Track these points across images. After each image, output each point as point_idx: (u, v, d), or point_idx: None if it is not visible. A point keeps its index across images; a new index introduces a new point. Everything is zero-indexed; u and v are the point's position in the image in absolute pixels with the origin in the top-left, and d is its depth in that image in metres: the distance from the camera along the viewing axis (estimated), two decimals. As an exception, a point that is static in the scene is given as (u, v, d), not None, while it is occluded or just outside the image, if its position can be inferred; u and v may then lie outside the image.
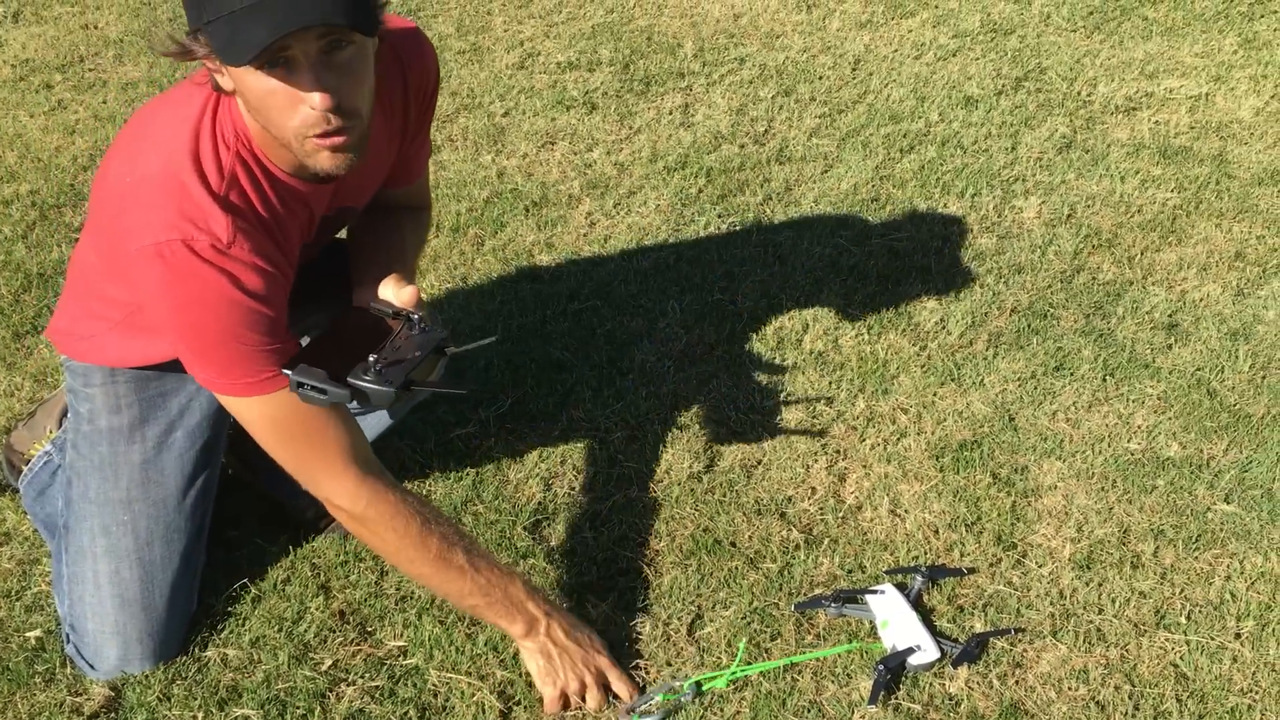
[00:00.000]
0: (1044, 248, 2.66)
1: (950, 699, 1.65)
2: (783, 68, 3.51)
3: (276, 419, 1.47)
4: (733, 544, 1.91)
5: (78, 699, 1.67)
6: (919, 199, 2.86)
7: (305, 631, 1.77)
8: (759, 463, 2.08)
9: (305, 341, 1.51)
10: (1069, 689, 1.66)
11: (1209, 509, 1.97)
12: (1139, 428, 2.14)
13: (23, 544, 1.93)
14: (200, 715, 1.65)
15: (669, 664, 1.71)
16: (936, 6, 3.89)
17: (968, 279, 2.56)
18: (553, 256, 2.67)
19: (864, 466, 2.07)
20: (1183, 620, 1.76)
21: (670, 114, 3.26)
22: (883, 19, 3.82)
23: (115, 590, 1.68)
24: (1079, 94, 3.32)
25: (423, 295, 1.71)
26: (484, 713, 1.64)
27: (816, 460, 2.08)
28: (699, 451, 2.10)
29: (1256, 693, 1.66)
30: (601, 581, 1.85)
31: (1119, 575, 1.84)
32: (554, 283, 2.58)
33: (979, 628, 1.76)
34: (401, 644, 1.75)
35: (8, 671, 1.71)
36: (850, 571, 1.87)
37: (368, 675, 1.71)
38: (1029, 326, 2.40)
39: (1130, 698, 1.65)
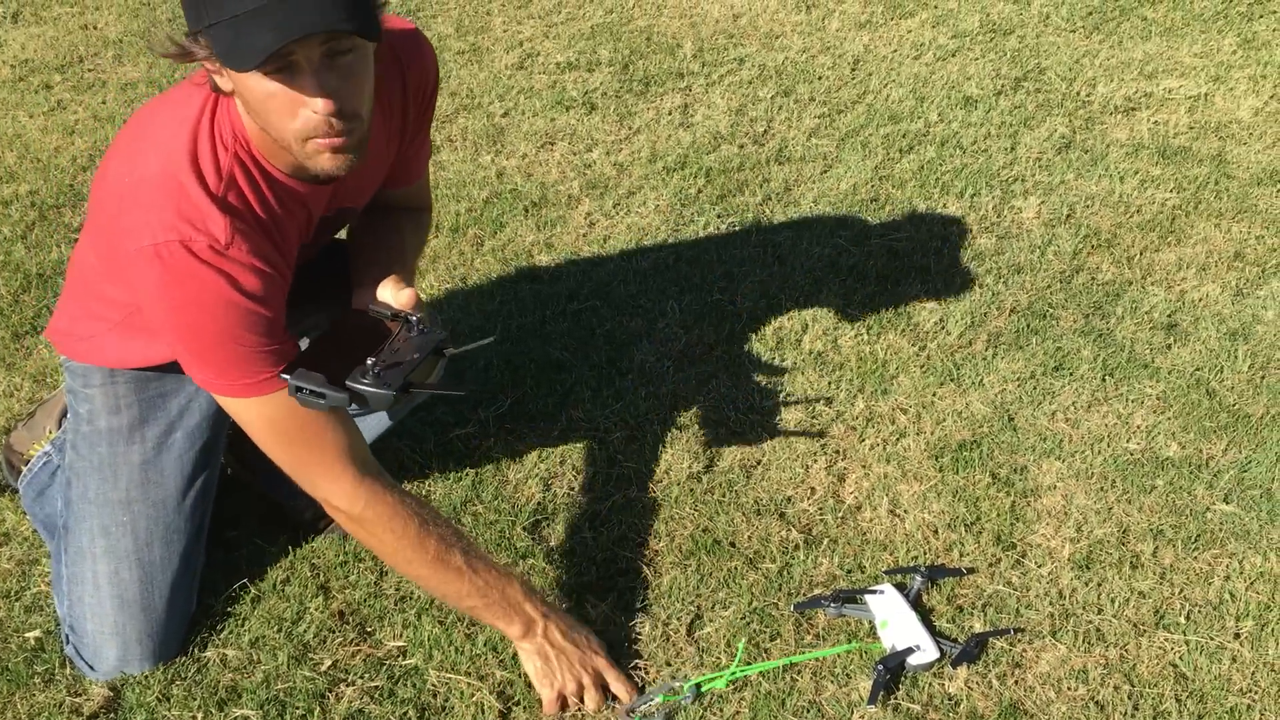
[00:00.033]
0: (1043, 248, 2.66)
1: (949, 699, 1.65)
2: (782, 68, 3.51)
3: (274, 420, 1.47)
4: (732, 544, 1.91)
5: (77, 699, 1.67)
6: (918, 199, 2.86)
7: (305, 632, 1.77)
8: (758, 463, 2.08)
9: (304, 343, 1.51)
10: (1068, 689, 1.67)
11: (1208, 509, 1.97)
12: (1138, 428, 2.14)
13: (22, 544, 1.93)
14: (200, 716, 1.65)
15: (668, 664, 1.71)
16: (936, 7, 3.89)
17: (967, 279, 2.56)
18: (552, 257, 2.67)
19: (863, 467, 2.07)
20: (1182, 620, 1.77)
21: (669, 114, 3.27)
22: (882, 19, 3.82)
23: (114, 591, 1.68)
24: (1078, 94, 3.32)
25: (422, 296, 1.71)
26: (483, 713, 1.64)
27: (816, 460, 2.08)
28: (698, 452, 2.10)
29: (1256, 693, 1.66)
30: (601, 582, 1.85)
31: (1118, 575, 1.84)
32: (553, 283, 2.58)
33: (978, 628, 1.76)
34: (401, 644, 1.75)
35: (7, 672, 1.71)
36: (849, 571, 1.87)
37: (367, 675, 1.71)
38: (1028, 327, 2.41)
39: (1129, 698, 1.65)
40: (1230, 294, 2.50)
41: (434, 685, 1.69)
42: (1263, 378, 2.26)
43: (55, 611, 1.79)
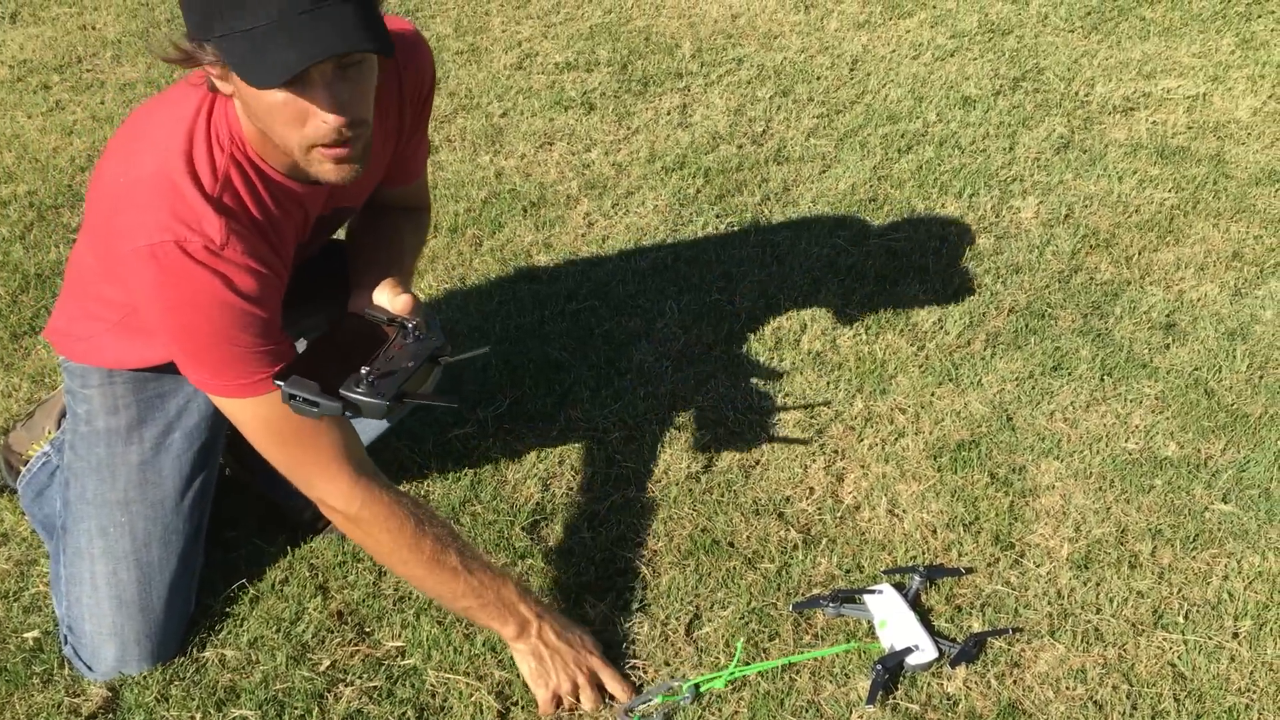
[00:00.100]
0: (1042, 248, 2.66)
1: (948, 699, 1.65)
2: (780, 68, 3.51)
3: (270, 420, 1.47)
4: (731, 544, 1.91)
5: (75, 700, 1.67)
6: (917, 199, 2.86)
7: (303, 632, 1.77)
8: (757, 463, 2.08)
9: (301, 344, 1.50)
10: (1067, 688, 1.67)
11: (1206, 509, 1.97)
12: (1137, 427, 2.14)
13: (20, 545, 1.93)
14: (198, 716, 1.65)
15: (667, 664, 1.71)
16: (934, 7, 3.89)
17: (965, 279, 2.56)
18: (551, 257, 2.67)
19: (862, 466, 2.07)
20: (1180, 620, 1.77)
21: (668, 114, 3.27)
22: (880, 19, 3.82)
23: (113, 591, 1.68)
24: (1077, 94, 3.33)
25: (420, 297, 1.71)
26: (482, 713, 1.64)
27: (814, 460, 2.08)
28: (697, 452, 2.10)
29: (1254, 692, 1.66)
30: (599, 582, 1.85)
31: (1117, 575, 1.84)
32: (552, 283, 2.58)
33: (977, 627, 1.76)
34: (399, 644, 1.75)
35: (5, 672, 1.71)
36: (848, 571, 1.87)
37: (366, 676, 1.71)
38: (1027, 326, 2.41)
39: (1128, 697, 1.65)
40: (1229, 294, 2.50)
41: (432, 685, 1.69)
42: (1261, 377, 2.27)
43: (54, 612, 1.79)
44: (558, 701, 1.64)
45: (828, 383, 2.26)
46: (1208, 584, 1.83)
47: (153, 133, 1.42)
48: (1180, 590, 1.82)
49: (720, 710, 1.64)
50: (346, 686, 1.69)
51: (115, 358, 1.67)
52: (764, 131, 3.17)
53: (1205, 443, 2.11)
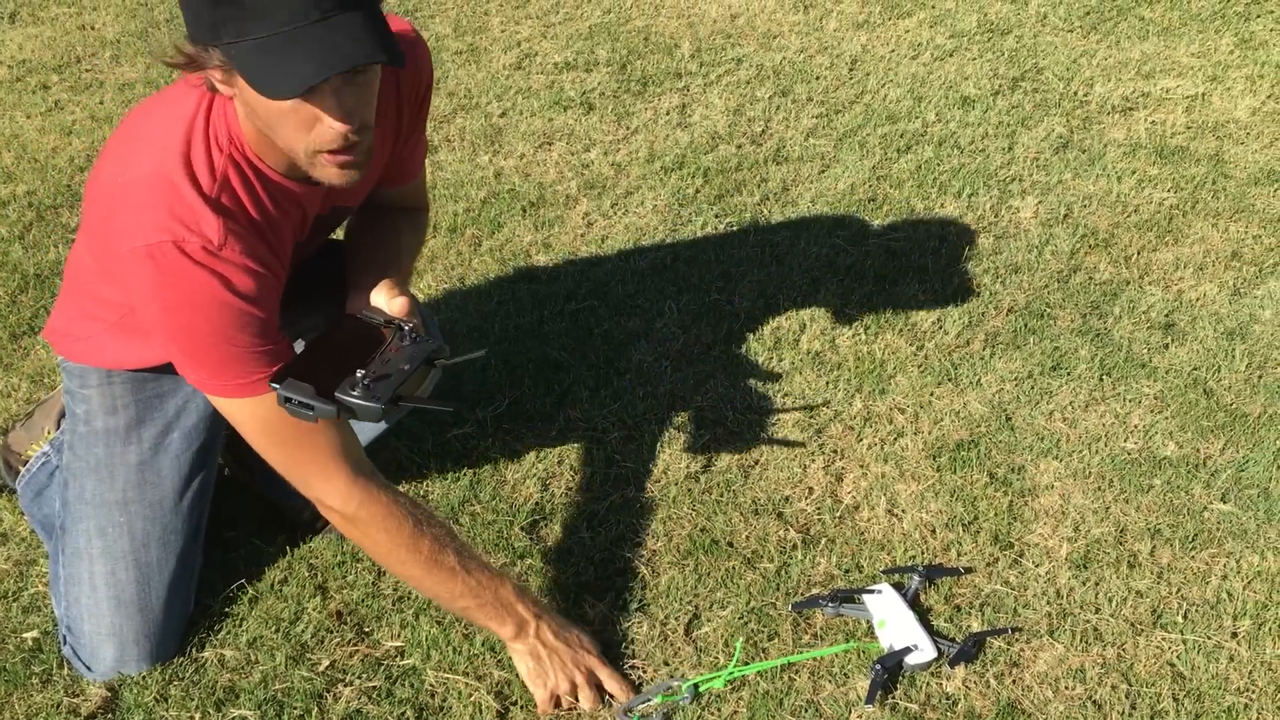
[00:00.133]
0: (1041, 248, 2.66)
1: (947, 698, 1.65)
2: (780, 68, 3.51)
3: (268, 420, 1.47)
4: (730, 544, 1.91)
5: (75, 700, 1.67)
6: (916, 199, 2.86)
7: (302, 632, 1.77)
8: (756, 463, 2.08)
9: (299, 346, 1.50)
10: (1066, 688, 1.67)
11: (1205, 508, 1.97)
12: (1135, 427, 2.14)
13: (20, 545, 1.93)
14: (197, 716, 1.65)
15: (666, 664, 1.72)
16: (933, 7, 3.89)
17: (965, 279, 2.56)
18: (550, 257, 2.67)
19: (861, 466, 2.07)
20: (1179, 619, 1.77)
21: (667, 114, 3.27)
22: (879, 19, 3.82)
23: (111, 592, 1.68)
24: (1076, 94, 3.33)
25: (418, 300, 1.71)
26: (481, 713, 1.64)
27: (814, 460, 2.08)
28: (696, 451, 2.10)
29: (1253, 692, 1.66)
30: (599, 581, 1.85)
31: (1116, 574, 1.84)
32: (551, 283, 2.58)
33: (976, 627, 1.76)
34: (399, 644, 1.75)
35: (4, 672, 1.71)
36: (847, 571, 1.87)
37: (365, 676, 1.71)
38: (1026, 326, 2.41)
39: (1127, 697, 1.65)
40: (1227, 293, 2.50)
41: (432, 685, 1.69)
42: (1260, 377, 2.27)
43: (53, 612, 1.79)
44: (556, 701, 1.64)
45: (827, 382, 2.26)
46: (1207, 583, 1.83)
47: (150, 133, 1.42)
48: (1179, 590, 1.82)
49: (719, 710, 1.64)
50: (346, 686, 1.69)
51: (114, 358, 1.67)
52: (763, 131, 3.17)
53: (1204, 442, 2.11)
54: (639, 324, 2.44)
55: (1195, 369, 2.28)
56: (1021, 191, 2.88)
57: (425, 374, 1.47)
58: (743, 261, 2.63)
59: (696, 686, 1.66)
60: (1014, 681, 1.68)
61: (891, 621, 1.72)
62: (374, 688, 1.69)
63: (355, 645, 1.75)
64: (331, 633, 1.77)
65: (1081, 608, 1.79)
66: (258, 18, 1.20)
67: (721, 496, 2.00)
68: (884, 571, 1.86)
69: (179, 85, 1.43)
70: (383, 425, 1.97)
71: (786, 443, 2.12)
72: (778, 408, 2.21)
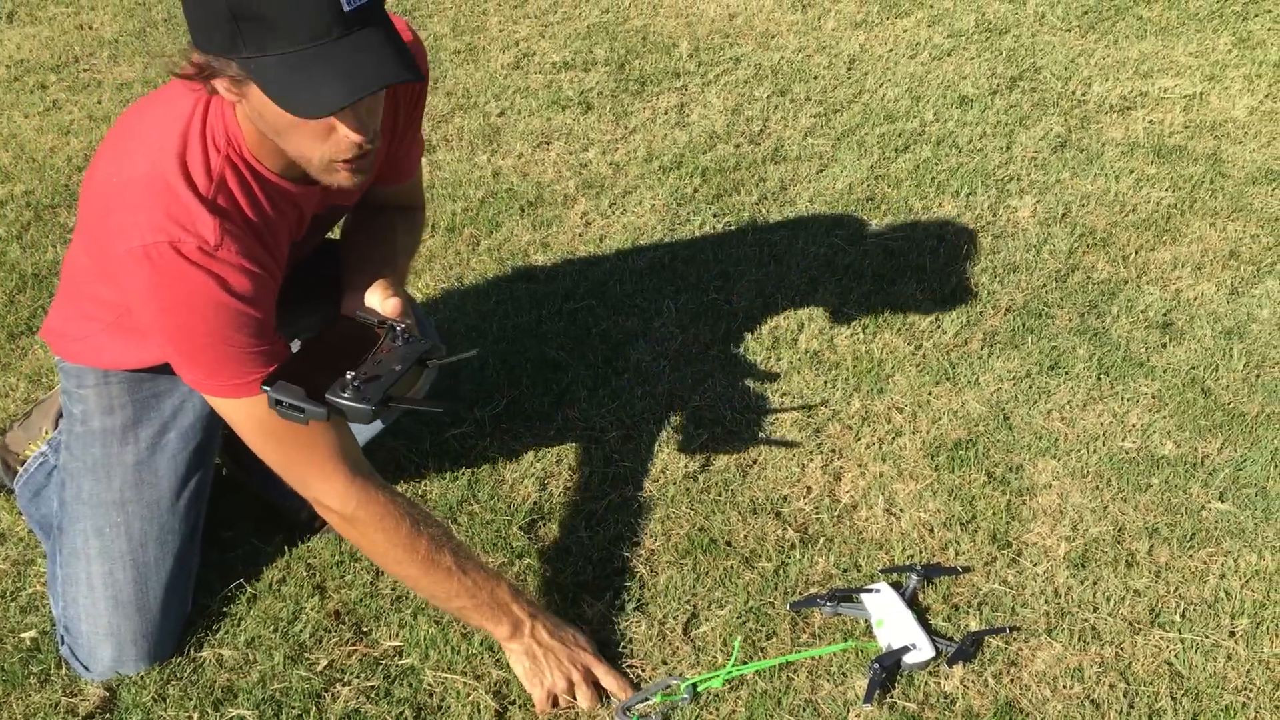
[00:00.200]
0: (1039, 247, 2.66)
1: (945, 697, 1.65)
2: (778, 67, 3.51)
3: (264, 420, 1.46)
4: (728, 543, 1.91)
5: (73, 700, 1.67)
6: (914, 198, 2.86)
7: (301, 632, 1.77)
8: (754, 462, 2.08)
9: (296, 347, 1.50)
10: (1064, 687, 1.67)
11: (1203, 507, 1.97)
12: (1133, 426, 2.15)
13: (18, 545, 1.93)
14: (195, 716, 1.65)
15: (664, 663, 1.72)
16: (931, 6, 3.89)
17: (963, 278, 2.56)
18: (548, 256, 2.67)
19: (859, 465, 2.07)
20: (1177, 618, 1.77)
21: (666, 114, 3.27)
22: (878, 19, 3.82)
23: (109, 592, 1.68)
24: (1074, 93, 3.33)
25: (413, 300, 1.71)
26: (479, 712, 1.64)
27: (812, 459, 2.08)
28: (694, 451, 2.10)
29: (1251, 691, 1.66)
30: (597, 581, 1.85)
31: (1114, 574, 1.84)
32: (549, 282, 2.58)
33: (974, 626, 1.76)
34: (397, 644, 1.75)
35: (3, 672, 1.71)
36: (845, 570, 1.87)
37: (363, 675, 1.71)
38: (1024, 325, 2.41)
39: (1125, 696, 1.65)
40: (1225, 293, 2.50)
41: (430, 685, 1.69)
42: (1258, 376, 2.27)
43: (51, 612, 1.79)
44: (553, 700, 1.64)
45: (825, 382, 2.26)
46: (1204, 582, 1.83)
47: (145, 132, 1.42)
48: (1177, 589, 1.82)
49: (718, 709, 1.64)
50: (344, 686, 1.69)
51: (110, 358, 1.67)
52: (761, 131, 3.17)
53: (1202, 441, 2.11)
54: (637, 323, 2.44)
55: (1193, 368, 2.28)
56: (1019, 191, 2.88)
57: (418, 374, 1.47)
58: (741, 261, 2.63)
59: (695, 686, 1.66)
60: (1012, 680, 1.68)
61: (890, 621, 1.72)
62: (372, 687, 1.69)
63: (353, 645, 1.75)
64: (330, 632, 1.77)
65: (1079, 607, 1.79)
66: (280, 34, 1.21)
67: (720, 496, 2.00)
68: (882, 571, 1.86)
69: (174, 85, 1.43)
70: (379, 425, 1.97)
71: (785, 442, 2.12)
72: (776, 407, 2.21)
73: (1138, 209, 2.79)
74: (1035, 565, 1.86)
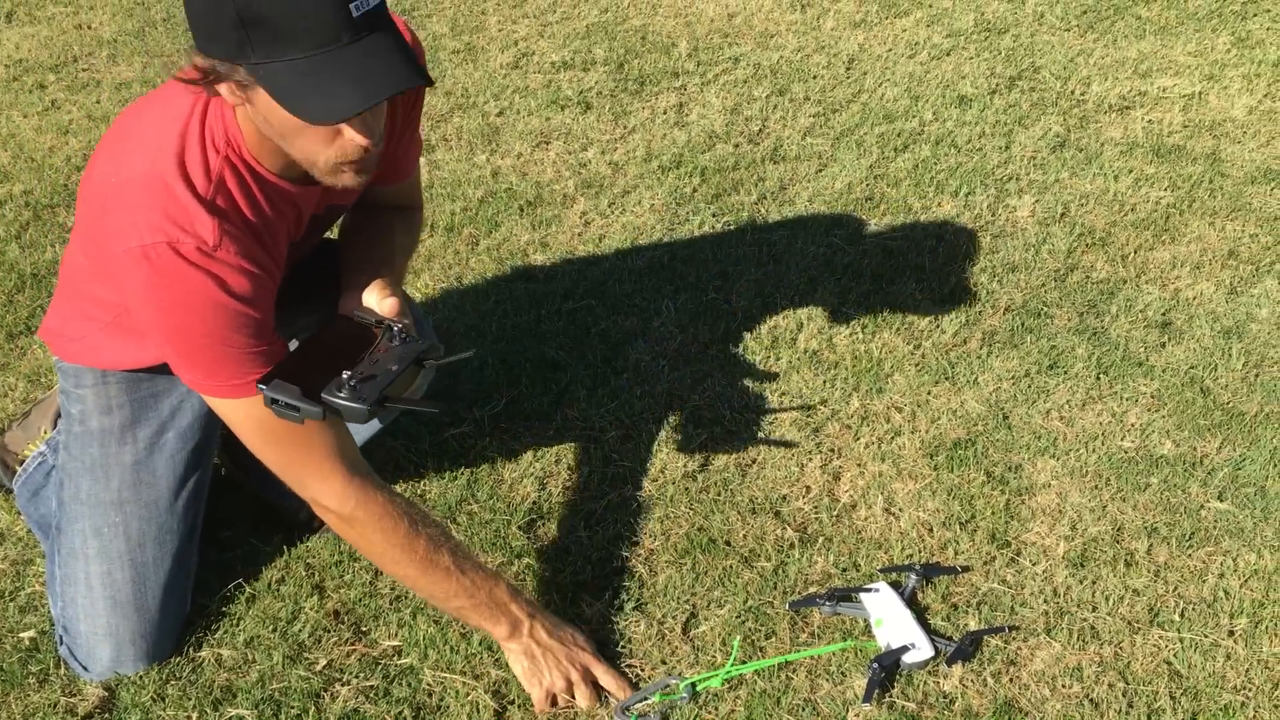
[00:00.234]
0: (1038, 246, 2.66)
1: (944, 697, 1.65)
2: (777, 67, 3.51)
3: (263, 421, 1.46)
4: (727, 543, 1.91)
5: (72, 699, 1.67)
6: (913, 198, 2.86)
7: (300, 631, 1.77)
8: (753, 461, 2.08)
9: (292, 346, 1.50)
10: (1063, 686, 1.67)
11: (1202, 507, 1.97)
12: (1132, 426, 2.15)
13: (17, 545, 1.93)
14: (194, 715, 1.65)
15: (664, 663, 1.72)
16: (930, 6, 3.89)
17: (962, 278, 2.56)
18: (547, 256, 2.67)
19: (858, 465, 2.07)
20: (1176, 618, 1.77)
21: (665, 113, 3.27)
22: (877, 18, 3.82)
23: (107, 592, 1.68)
24: (1072, 93, 3.33)
25: (411, 300, 1.70)
26: (478, 712, 1.64)
27: (811, 459, 2.08)
28: (693, 450, 2.10)
29: (1250, 690, 1.66)
30: (596, 580, 1.85)
31: (1113, 573, 1.84)
32: (548, 282, 2.57)
33: (973, 625, 1.76)
34: (396, 644, 1.75)
35: (2, 672, 1.71)
36: (845, 570, 1.87)
37: (362, 675, 1.70)
38: (1023, 325, 2.41)
39: (1124, 695, 1.65)
40: (1224, 292, 2.50)
41: (429, 684, 1.69)
42: (1256, 376, 2.27)
43: (50, 612, 1.79)
44: (552, 700, 1.64)
45: (824, 381, 2.26)
46: (1203, 582, 1.83)
47: (143, 132, 1.42)
48: (1176, 588, 1.82)
49: (717, 709, 1.64)
50: (343, 686, 1.69)
51: (108, 358, 1.66)
52: (760, 130, 3.17)
53: (1201, 441, 2.11)
54: (636, 323, 2.44)
55: (1192, 368, 2.28)
56: (1019, 190, 2.88)
57: (415, 374, 1.46)
58: (740, 260, 2.63)
59: (694, 685, 1.66)
60: (1011, 680, 1.68)
61: (889, 620, 1.72)
62: (371, 687, 1.69)
63: (352, 644, 1.75)
64: (329, 632, 1.77)
65: (1078, 606, 1.79)
66: (289, 40, 1.21)
67: (719, 495, 2.00)
68: (881, 570, 1.86)
69: (172, 85, 1.43)
70: (377, 425, 1.97)
71: (784, 442, 2.12)
72: (775, 407, 2.21)
73: (1137, 208, 2.80)
74: (1034, 565, 1.86)
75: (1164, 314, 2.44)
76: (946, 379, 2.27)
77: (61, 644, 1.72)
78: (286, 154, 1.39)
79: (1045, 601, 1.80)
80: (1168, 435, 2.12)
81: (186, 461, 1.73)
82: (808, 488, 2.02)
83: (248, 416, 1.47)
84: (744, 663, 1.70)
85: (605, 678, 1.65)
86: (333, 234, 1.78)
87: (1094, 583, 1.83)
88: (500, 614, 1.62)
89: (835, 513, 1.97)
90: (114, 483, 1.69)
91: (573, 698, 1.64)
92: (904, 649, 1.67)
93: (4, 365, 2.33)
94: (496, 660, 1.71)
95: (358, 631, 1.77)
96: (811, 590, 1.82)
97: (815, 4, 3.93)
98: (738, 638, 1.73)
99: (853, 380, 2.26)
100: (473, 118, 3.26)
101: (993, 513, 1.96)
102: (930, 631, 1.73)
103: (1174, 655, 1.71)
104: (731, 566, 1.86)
